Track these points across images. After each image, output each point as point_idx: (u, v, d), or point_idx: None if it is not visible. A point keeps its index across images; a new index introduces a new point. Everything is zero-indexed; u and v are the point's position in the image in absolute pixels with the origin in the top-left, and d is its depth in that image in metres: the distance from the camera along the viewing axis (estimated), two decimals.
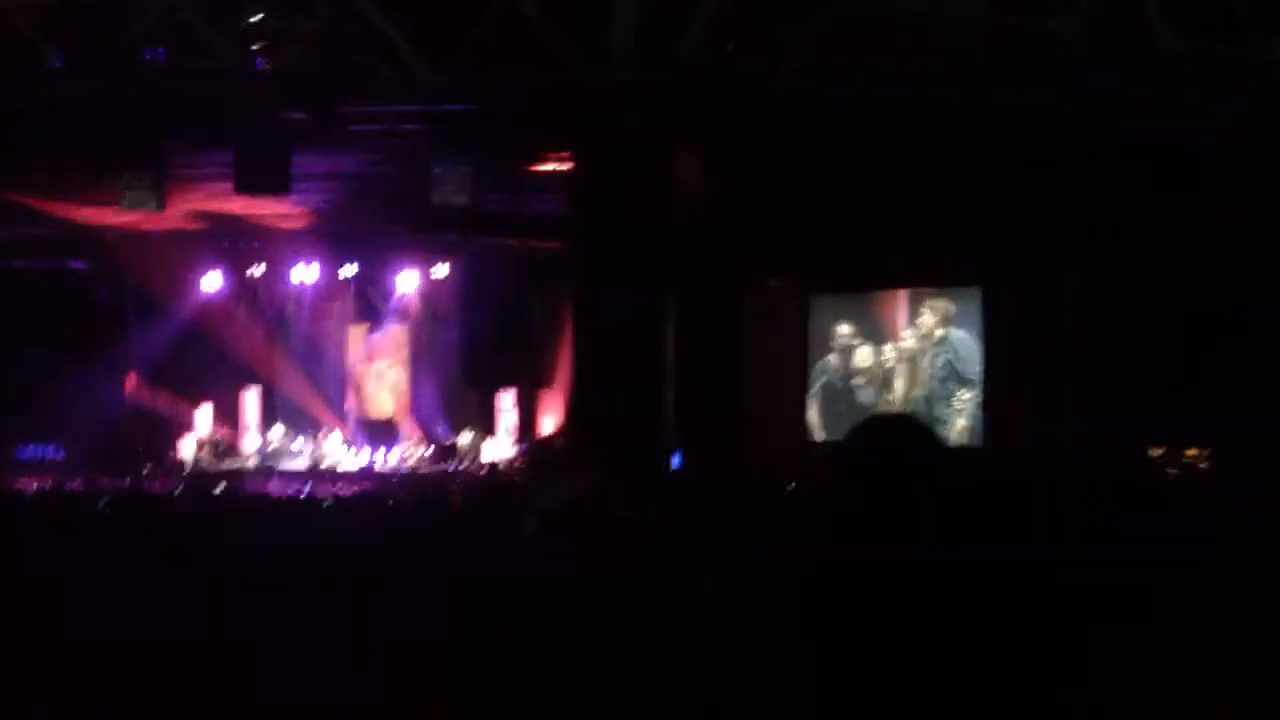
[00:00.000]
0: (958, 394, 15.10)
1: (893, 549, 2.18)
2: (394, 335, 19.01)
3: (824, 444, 15.83)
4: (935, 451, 2.30)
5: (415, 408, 18.82)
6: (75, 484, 14.61)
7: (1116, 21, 9.13)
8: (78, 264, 18.27)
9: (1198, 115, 9.67)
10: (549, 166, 13.03)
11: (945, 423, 15.02)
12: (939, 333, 15.26)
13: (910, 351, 15.46)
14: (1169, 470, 12.88)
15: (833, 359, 16.10)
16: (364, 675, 3.68)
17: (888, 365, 15.64)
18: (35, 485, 14.05)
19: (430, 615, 4.09)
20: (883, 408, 15.57)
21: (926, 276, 15.21)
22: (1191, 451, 13.01)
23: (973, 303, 15.04)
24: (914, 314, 15.54)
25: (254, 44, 10.35)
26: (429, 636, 3.82)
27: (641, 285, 11.01)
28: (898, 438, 2.30)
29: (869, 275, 15.34)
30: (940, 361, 15.29)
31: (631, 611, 2.27)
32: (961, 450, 14.36)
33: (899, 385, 15.60)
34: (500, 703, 2.31)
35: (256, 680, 2.90)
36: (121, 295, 18.64)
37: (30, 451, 18.07)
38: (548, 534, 2.31)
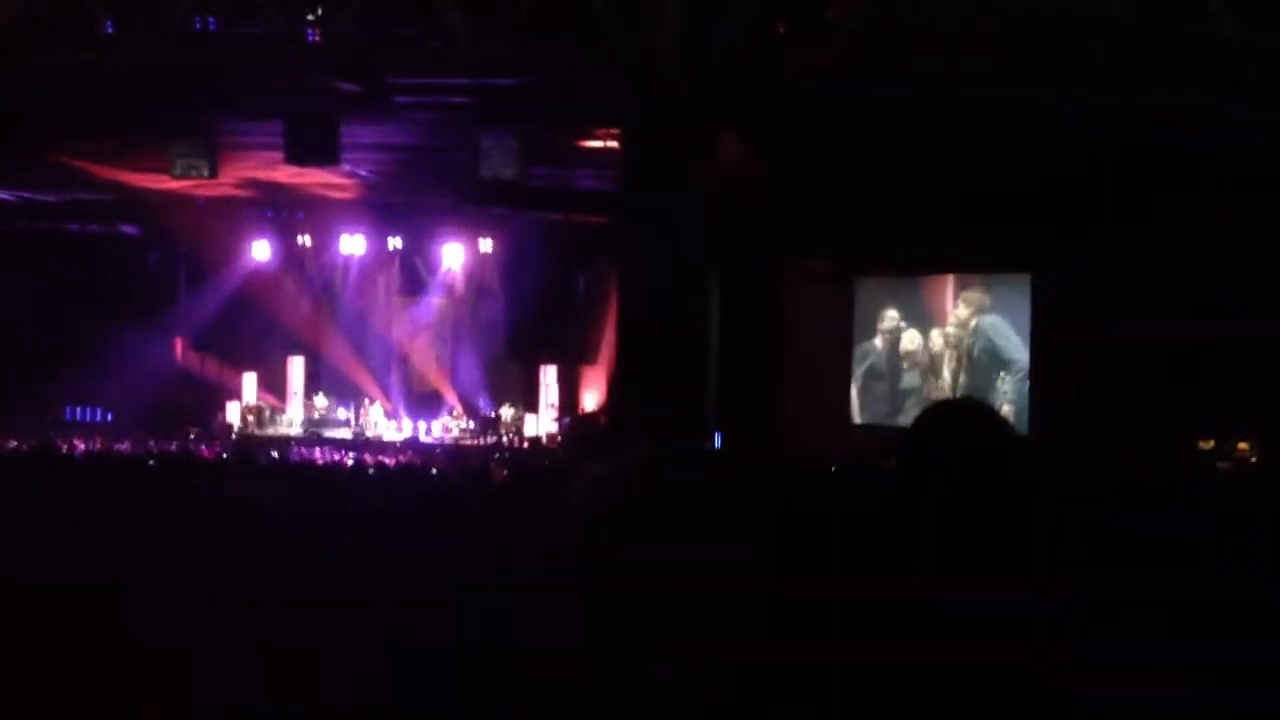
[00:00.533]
0: (999, 376, 15.05)
1: (951, 550, 2.12)
2: (437, 309, 19.11)
3: (864, 426, 15.79)
4: (1004, 439, 2.20)
5: (458, 380, 18.93)
6: (123, 446, 14.85)
7: (1162, 13, 8.99)
8: (129, 229, 18.49)
9: (1254, 108, 9.52)
10: (596, 143, 13.02)
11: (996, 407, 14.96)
12: (972, 322, 15.21)
13: (957, 337, 15.41)
14: (1220, 463, 12.73)
15: (878, 342, 16.04)
16: (397, 641, 3.72)
17: (935, 350, 15.58)
18: (83, 446, 14.30)
19: (466, 582, 4.13)
20: (930, 393, 15.52)
21: (974, 262, 15.10)
22: (1243, 445, 12.85)
23: (1016, 290, 14.95)
24: (955, 303, 15.51)
25: (305, 15, 10.40)
26: (465, 601, 3.86)
27: (686, 264, 10.99)
28: (966, 424, 2.21)
29: (915, 259, 15.24)
30: (978, 348, 15.25)
31: (661, 586, 2.26)
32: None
33: (946, 371, 15.54)
34: (525, 677, 2.32)
35: (295, 638, 2.94)
36: (172, 261, 18.87)
37: (78, 413, 18.36)
38: (591, 506, 2.29)
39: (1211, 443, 13.01)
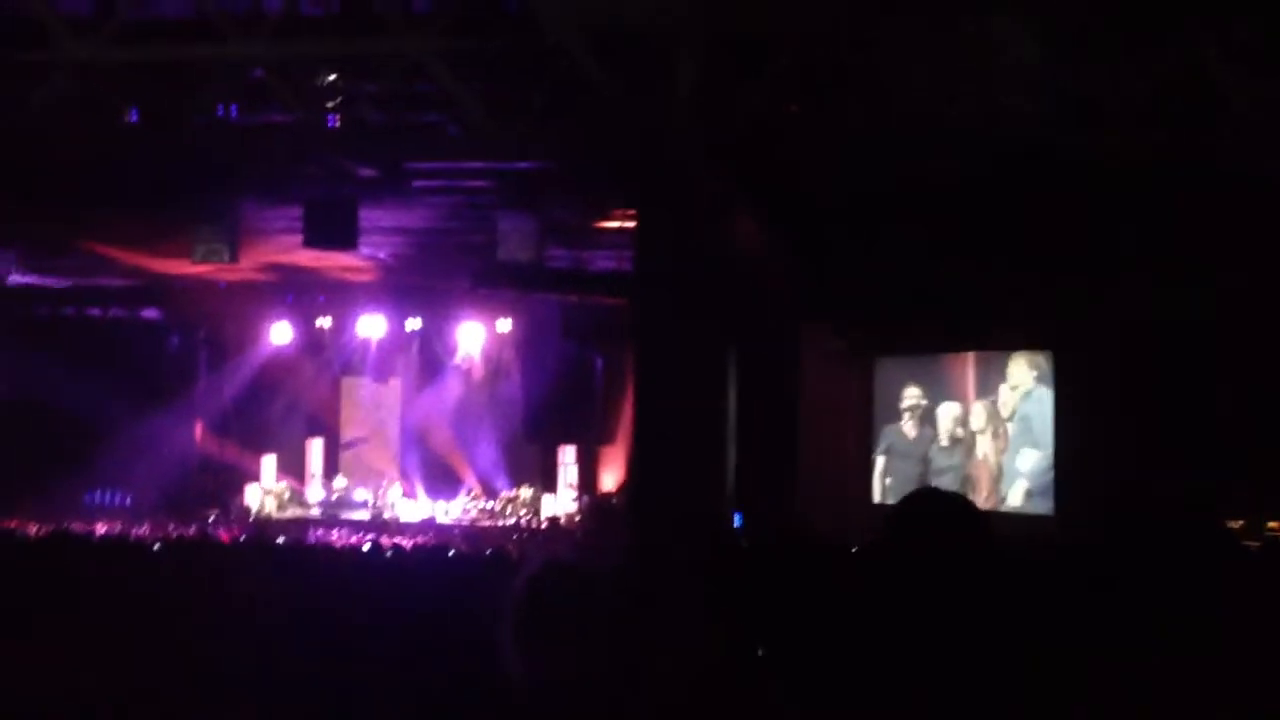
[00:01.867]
0: (1022, 451, 14.83)
1: (921, 620, 2.19)
2: (455, 389, 19.13)
3: (885, 506, 15.61)
4: (974, 534, 2.30)
5: (475, 461, 18.89)
6: (141, 530, 14.83)
7: (1188, 86, 9.01)
8: (150, 313, 18.66)
9: (1269, 181, 9.50)
10: (613, 223, 13.10)
11: (1010, 481, 14.78)
12: (1030, 385, 14.87)
13: (1006, 409, 15.09)
14: (1249, 543, 12.50)
15: (902, 422, 15.87)
16: None
17: (976, 427, 15.32)
18: (103, 530, 14.29)
19: (474, 666, 4.07)
20: (969, 470, 15.29)
21: (994, 340, 15.01)
22: (1273, 524, 12.65)
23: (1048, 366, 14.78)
24: (983, 375, 15.26)
25: (326, 102, 10.56)
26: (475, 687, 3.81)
27: (703, 344, 10.99)
28: (939, 517, 2.32)
29: (934, 337, 15.17)
30: (1018, 415, 14.93)
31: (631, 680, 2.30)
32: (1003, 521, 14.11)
33: (983, 448, 15.23)
34: None
35: None
36: (193, 344, 19.00)
37: (98, 498, 18.38)
38: (527, 599, 2.36)
39: (1241, 522, 12.81)
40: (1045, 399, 14.66)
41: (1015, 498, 14.69)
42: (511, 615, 2.42)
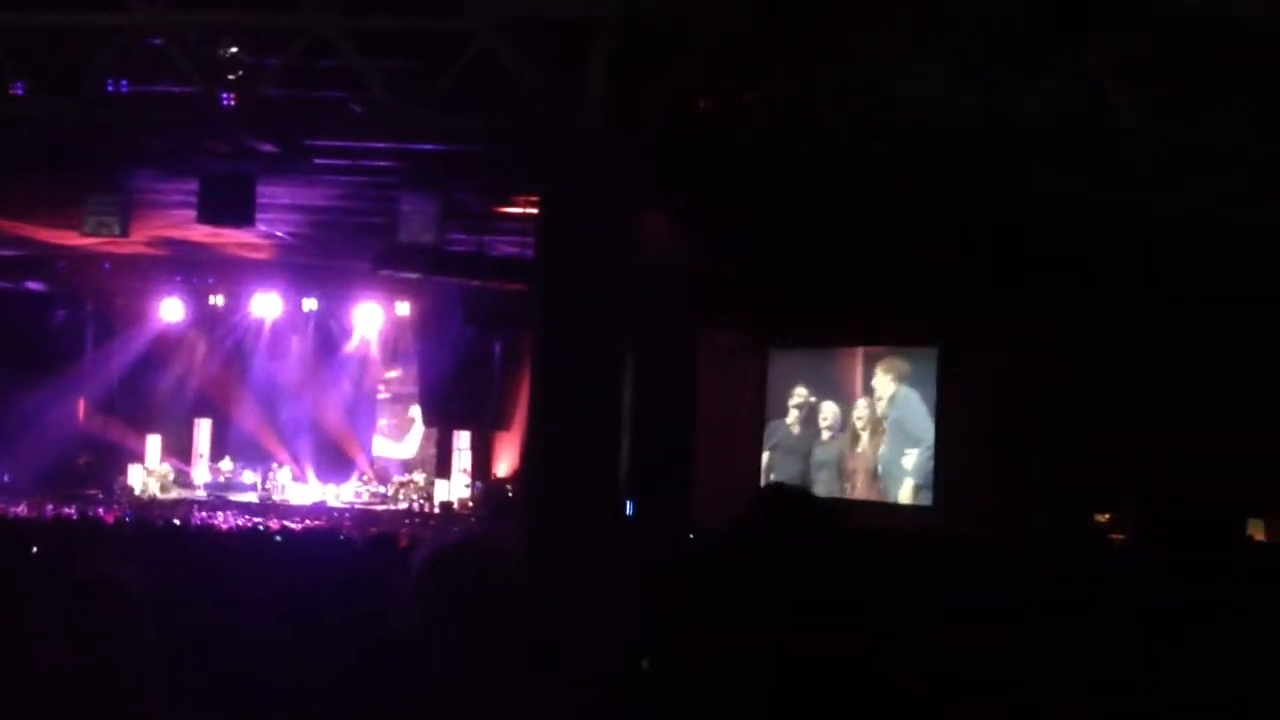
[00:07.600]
0: (905, 452, 15.24)
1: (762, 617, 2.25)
2: (350, 372, 18.92)
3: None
4: (816, 528, 2.38)
5: (369, 444, 18.71)
6: (19, 508, 14.42)
7: (1078, 101, 9.28)
8: (36, 285, 18.12)
9: (1154, 196, 9.85)
10: (515, 209, 13.08)
11: (899, 481, 15.21)
12: (892, 389, 15.41)
13: (879, 410, 15.57)
14: (1114, 535, 13.02)
15: (788, 419, 16.20)
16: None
17: (858, 423, 15.73)
18: None
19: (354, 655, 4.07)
20: (850, 465, 15.70)
21: (883, 335, 15.37)
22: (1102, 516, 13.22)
23: (924, 362, 15.21)
24: (869, 373, 15.67)
25: (227, 75, 10.33)
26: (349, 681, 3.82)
27: (601, 332, 11.03)
28: (785, 510, 2.41)
29: (827, 332, 15.49)
30: (890, 420, 15.43)
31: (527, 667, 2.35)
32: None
33: (863, 443, 15.70)
34: None
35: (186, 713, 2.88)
36: (79, 318, 18.51)
37: None
38: (426, 580, 2.41)
39: (1107, 516, 13.31)
40: (912, 399, 15.13)
41: (905, 495, 15.14)
42: (410, 596, 2.45)
